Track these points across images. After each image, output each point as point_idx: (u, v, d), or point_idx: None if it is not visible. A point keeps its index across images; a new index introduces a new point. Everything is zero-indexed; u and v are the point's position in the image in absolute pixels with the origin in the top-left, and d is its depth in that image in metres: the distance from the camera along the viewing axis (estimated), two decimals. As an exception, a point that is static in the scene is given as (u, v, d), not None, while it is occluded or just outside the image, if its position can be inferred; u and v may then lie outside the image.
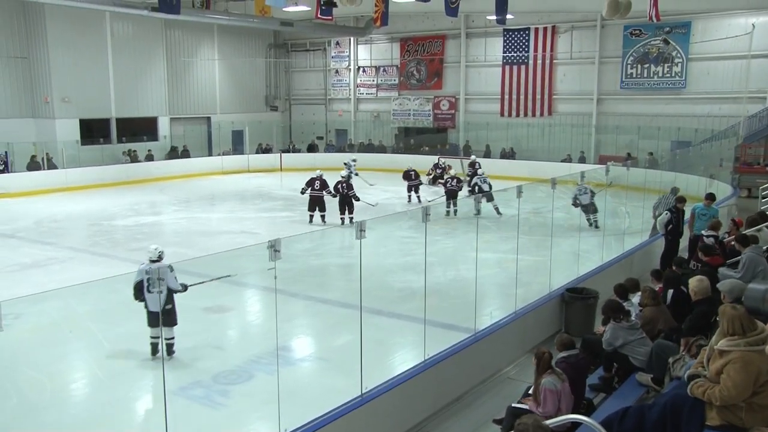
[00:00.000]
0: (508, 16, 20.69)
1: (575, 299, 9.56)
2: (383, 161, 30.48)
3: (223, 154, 31.55)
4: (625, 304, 7.65)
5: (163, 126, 31.28)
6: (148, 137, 30.47)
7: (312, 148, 33.43)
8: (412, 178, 22.11)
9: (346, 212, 17.85)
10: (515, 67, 29.79)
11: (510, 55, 29.84)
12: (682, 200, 12.61)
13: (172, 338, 8.54)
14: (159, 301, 8.18)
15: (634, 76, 27.03)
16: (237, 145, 33.05)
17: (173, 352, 8.58)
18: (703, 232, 10.85)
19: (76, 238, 16.65)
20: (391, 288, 11.50)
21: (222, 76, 34.11)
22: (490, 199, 17.21)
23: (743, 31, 24.15)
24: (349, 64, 35.36)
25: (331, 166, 30.23)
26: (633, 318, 7.27)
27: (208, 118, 33.62)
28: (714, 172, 20.82)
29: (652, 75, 26.65)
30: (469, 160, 23.60)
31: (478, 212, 12.08)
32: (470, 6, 24.94)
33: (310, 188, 18.23)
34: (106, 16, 27.85)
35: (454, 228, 16.16)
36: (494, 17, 20.34)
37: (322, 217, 17.94)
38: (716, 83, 25.21)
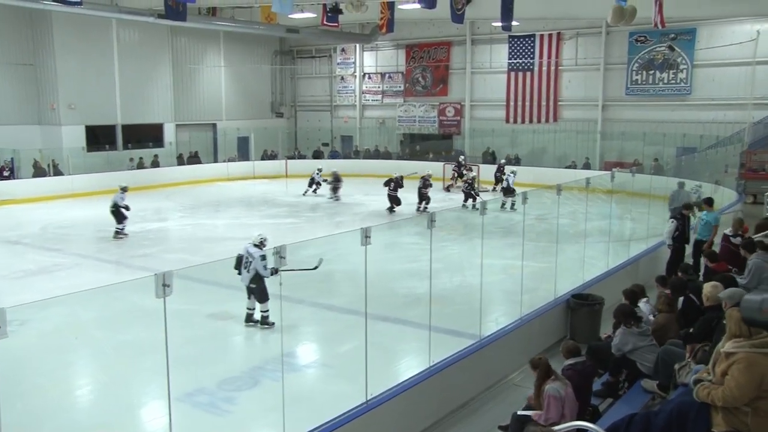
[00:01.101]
0: (514, 23, 20.68)
1: (581, 305, 9.54)
2: (389, 168, 30.39)
3: (229, 161, 31.63)
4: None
5: (169, 132, 31.43)
6: (154, 144, 30.59)
7: (317, 155, 33.50)
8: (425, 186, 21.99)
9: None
10: (520, 74, 29.82)
11: (515, 61, 29.87)
12: (688, 207, 12.60)
13: (266, 311, 9.93)
14: (248, 278, 9.79)
15: (639, 82, 27.03)
16: (242, 152, 33.12)
17: (267, 324, 9.89)
18: (727, 231, 10.75)
19: (81, 244, 16.71)
20: (396, 294, 11.48)
21: (228, 83, 34.24)
22: (509, 193, 18.31)
23: (748, 38, 24.17)
24: (355, 71, 35.43)
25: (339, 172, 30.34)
26: (644, 324, 7.24)
27: (214, 125, 33.73)
28: (719, 179, 20.78)
29: (657, 81, 26.66)
30: (498, 164, 24.99)
31: (506, 206, 13.60)
32: (476, 12, 24.96)
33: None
34: (113, 23, 28.02)
35: (460, 234, 16.15)
36: (500, 24, 20.35)
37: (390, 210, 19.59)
38: (721, 90, 25.20)
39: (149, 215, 20.76)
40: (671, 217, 12.45)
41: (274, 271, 9.13)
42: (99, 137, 28.65)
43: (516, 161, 29.06)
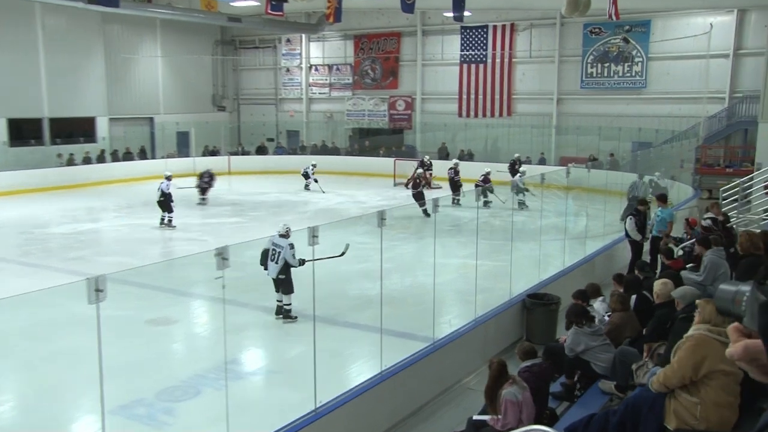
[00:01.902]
0: (466, 13, 20.87)
1: (537, 305, 9.68)
2: (337, 164, 30.44)
3: (168, 157, 31.05)
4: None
5: (102, 127, 30.66)
6: (86, 139, 29.82)
7: (261, 151, 33.19)
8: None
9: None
10: (473, 66, 30.12)
11: (468, 53, 30.16)
12: (643, 203, 12.91)
13: (289, 304, 10.26)
14: (276, 270, 10.12)
15: (595, 75, 27.61)
16: (182, 148, 32.56)
17: (290, 317, 10.23)
18: (704, 215, 11.07)
19: (3, 247, 16.15)
20: (346, 296, 11.48)
21: (165, 75, 33.62)
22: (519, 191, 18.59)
23: (702, 31, 24.90)
24: (301, 63, 35.23)
25: (283, 169, 30.14)
26: (596, 323, 7.39)
27: (151, 119, 33.07)
28: (675, 174, 21.36)
29: (612, 74, 27.27)
30: (512, 159, 24.97)
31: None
32: (426, 2, 25.13)
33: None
34: (36, 7, 27.14)
35: (411, 233, 16.23)
36: (451, 14, 20.52)
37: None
38: (676, 83, 25.92)
39: (81, 215, 20.24)
40: (629, 214, 12.74)
41: (302, 262, 10.00)
42: (23, 131, 27.78)
43: (469, 157, 29.33)
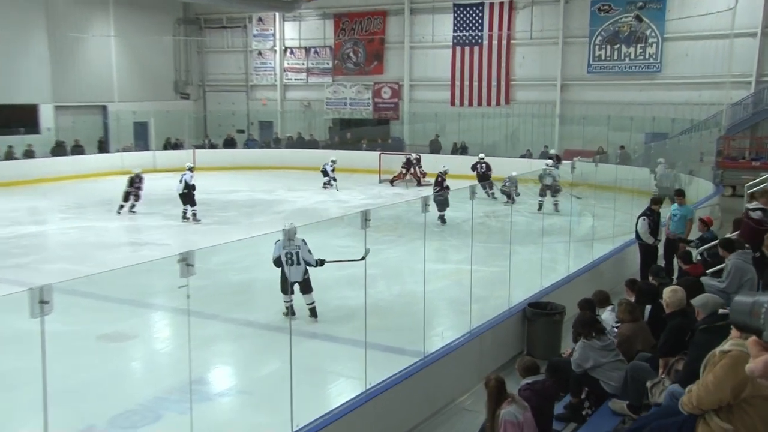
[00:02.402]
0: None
1: (539, 315, 9.71)
2: (315, 158, 30.39)
3: (124, 151, 30.87)
4: (594, 320, 7.79)
5: (47, 116, 30.44)
6: (27, 129, 29.51)
7: (230, 144, 33.11)
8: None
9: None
10: (467, 49, 30.20)
11: (461, 34, 30.24)
12: (657, 201, 12.94)
13: (313, 302, 10.72)
14: (303, 271, 10.47)
15: (603, 58, 27.72)
16: (140, 140, 32.39)
17: (316, 315, 10.66)
18: (748, 205, 11.06)
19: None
20: (326, 306, 11.45)
21: (120, 57, 33.43)
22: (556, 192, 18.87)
23: (725, 7, 24.80)
24: (275, 45, 35.19)
25: (255, 164, 30.07)
26: (608, 336, 7.38)
27: (104, 107, 32.91)
28: (694, 168, 21.40)
29: (623, 57, 27.36)
30: (550, 155, 25.08)
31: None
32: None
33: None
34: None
35: (398, 235, 16.24)
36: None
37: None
38: (695, 66, 25.96)
39: (22, 217, 20.05)
40: (641, 214, 12.74)
41: (321, 262, 10.57)
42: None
43: (462, 150, 29.42)
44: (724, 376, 4.31)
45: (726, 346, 4.50)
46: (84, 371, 8.93)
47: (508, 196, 19.95)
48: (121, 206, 20.45)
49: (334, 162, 25.64)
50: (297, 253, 10.49)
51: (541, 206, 18.20)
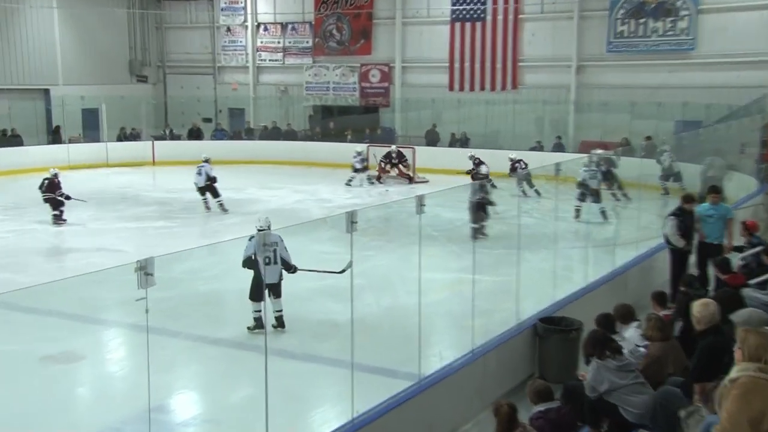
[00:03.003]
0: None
1: (551, 332, 9.71)
2: (294, 151, 30.42)
3: (70, 142, 30.79)
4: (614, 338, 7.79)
5: (-23, 101, 30.28)
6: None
7: (195, 134, 33.02)
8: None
9: None
10: (468, 25, 30.24)
11: (461, 8, 30.28)
12: (689, 198, 12.88)
13: (282, 309, 10.81)
14: (279, 271, 10.69)
15: (626, 34, 27.69)
16: (90, 130, 32.30)
17: (283, 325, 10.75)
18: None
19: None
20: (307, 321, 11.45)
21: (64, 32, 33.31)
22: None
23: (771, -28, 24.74)
24: (245, 20, 35.16)
25: (224, 158, 29.96)
26: (626, 355, 7.38)
27: (46, 91, 32.81)
28: (734, 162, 21.36)
29: (649, 33, 27.25)
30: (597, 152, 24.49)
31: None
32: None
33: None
34: None
35: (388, 240, 16.24)
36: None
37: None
38: (735, 42, 25.70)
39: (-49, 219, 20.03)
40: (670, 213, 12.71)
41: (294, 269, 10.79)
42: None
43: (463, 142, 29.44)
44: (737, 411, 4.29)
45: (734, 373, 4.48)
46: (24, 398, 8.89)
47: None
48: (57, 218, 19.72)
49: (359, 153, 25.69)
50: (275, 251, 10.62)
51: (578, 213, 17.59)
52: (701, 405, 6.29)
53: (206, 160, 21.73)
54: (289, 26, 34.32)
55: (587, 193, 17.83)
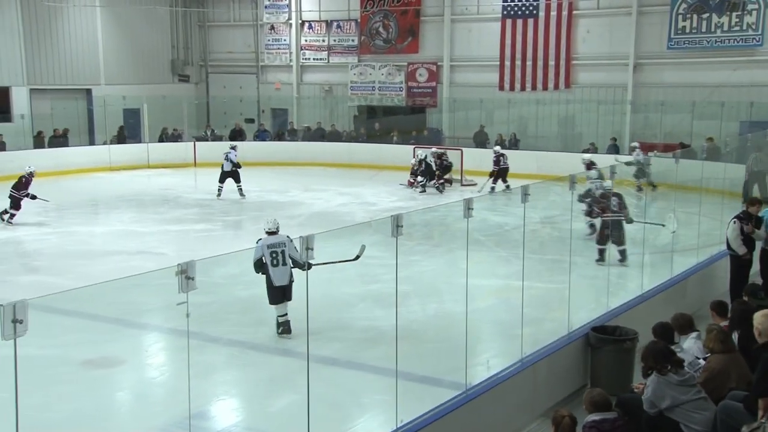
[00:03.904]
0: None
1: (605, 342, 9.64)
2: (337, 153, 30.51)
3: (111, 143, 31.21)
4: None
5: (20, 101, 30.82)
6: (-3, 117, 30.04)
7: (237, 135, 33.22)
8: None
9: None
10: (520, 22, 30.11)
11: (513, 4, 30.15)
12: (755, 202, 12.69)
13: (286, 314, 10.93)
14: (289, 272, 10.84)
15: (688, 30, 27.29)
16: (131, 130, 32.71)
17: (290, 329, 10.83)
18: None
19: None
20: (350, 328, 11.49)
21: (107, 31, 33.79)
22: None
23: None
24: (290, 18, 35.36)
25: (266, 159, 30.16)
26: (687, 369, 7.29)
27: (88, 91, 33.28)
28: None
29: (713, 29, 26.79)
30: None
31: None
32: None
33: None
34: None
35: (435, 244, 16.24)
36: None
37: None
38: (810, 36, 25.26)
39: (-9, 220, 20.41)
40: (734, 217, 12.51)
41: (309, 265, 10.16)
42: None
43: (513, 144, 29.30)
44: None
45: None
46: (63, 403, 9.04)
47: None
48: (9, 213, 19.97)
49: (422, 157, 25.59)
50: (282, 252, 10.86)
51: (602, 256, 14.60)
52: (765, 421, 6.22)
53: (233, 147, 24.37)
54: (334, 24, 34.46)
55: (593, 205, 15.68)
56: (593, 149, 27.31)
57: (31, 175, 20.23)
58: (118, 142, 31.63)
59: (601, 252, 14.48)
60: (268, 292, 10.94)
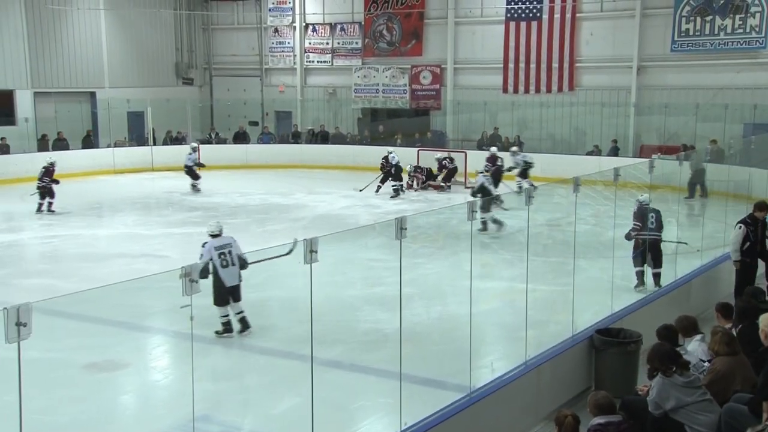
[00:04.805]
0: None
1: (609, 344, 9.62)
2: (341, 155, 30.52)
3: (116, 146, 31.22)
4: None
5: (24, 104, 30.83)
6: (1, 120, 30.03)
7: (241, 138, 33.29)
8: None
9: None
10: (523, 24, 30.11)
11: (516, 7, 30.17)
12: (762, 207, 12.65)
13: (243, 311, 11.13)
14: (238, 273, 11.01)
15: (691, 33, 27.29)
16: (135, 133, 32.73)
17: (249, 326, 11.12)
18: None
19: None
20: (353, 331, 11.49)
21: (111, 35, 33.81)
22: None
23: None
24: (293, 20, 35.40)
25: (270, 162, 30.19)
26: (692, 371, 7.28)
27: (92, 94, 33.31)
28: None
29: (717, 31, 26.79)
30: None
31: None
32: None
33: None
34: None
35: (439, 247, 16.23)
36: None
37: None
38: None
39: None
40: (739, 222, 12.49)
41: (245, 264, 11.02)
42: None
43: (517, 145, 29.27)
44: None
45: None
46: (67, 406, 9.05)
47: None
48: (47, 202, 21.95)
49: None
50: (230, 252, 11.12)
51: (641, 279, 13.07)
52: (768, 423, 6.22)
53: (193, 149, 26.55)
54: (338, 27, 34.48)
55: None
56: (597, 151, 27.38)
57: (52, 165, 22.12)
58: (138, 145, 32.18)
59: (640, 275, 12.99)
60: (215, 294, 10.92)
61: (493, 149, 24.93)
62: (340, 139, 32.60)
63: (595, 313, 10.42)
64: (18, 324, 4.56)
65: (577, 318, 9.99)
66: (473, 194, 19.11)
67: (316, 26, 35.06)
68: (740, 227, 12.09)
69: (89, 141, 31.36)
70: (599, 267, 12.47)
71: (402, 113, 33.54)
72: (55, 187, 22.04)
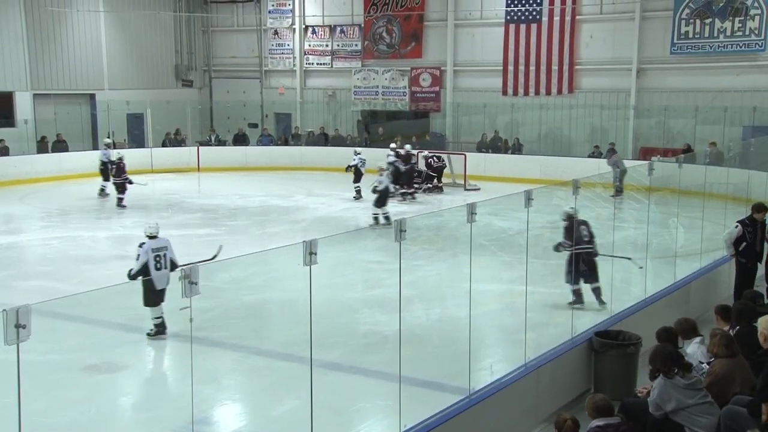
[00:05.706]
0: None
1: (608, 347, 9.63)
2: (341, 157, 30.40)
3: (116, 147, 31.19)
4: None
5: (24, 106, 30.79)
6: (1, 122, 30.04)
7: (241, 140, 33.29)
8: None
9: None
10: (523, 27, 30.12)
11: (516, 9, 30.17)
12: (761, 208, 12.65)
13: (162, 315, 10.97)
14: (168, 276, 10.81)
15: (691, 36, 27.28)
16: (135, 135, 32.72)
17: (164, 331, 11.00)
18: None
19: None
20: (353, 333, 11.49)
21: (111, 37, 33.81)
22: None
23: None
24: (293, 23, 35.41)
25: (270, 164, 30.21)
26: (694, 373, 7.28)
27: (92, 96, 33.31)
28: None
29: (716, 34, 26.77)
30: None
31: None
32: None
33: None
34: None
35: (438, 249, 16.23)
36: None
37: None
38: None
39: (-4, 225, 20.46)
40: (738, 222, 12.49)
41: (173, 267, 10.98)
42: None
43: (517, 147, 29.32)
44: None
45: None
46: (66, 408, 9.05)
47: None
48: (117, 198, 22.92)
49: (357, 153, 25.13)
50: (165, 255, 11.22)
51: (579, 298, 12.13)
52: (768, 424, 6.22)
53: (107, 145, 26.23)
54: (338, 29, 34.49)
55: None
56: (597, 153, 27.35)
57: (121, 159, 23.33)
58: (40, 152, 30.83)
59: (577, 293, 12.02)
60: (144, 295, 11.00)
61: (408, 147, 25.58)
62: (339, 142, 32.61)
63: (594, 316, 10.46)
64: (17, 326, 4.56)
65: (577, 320, 10.01)
66: (373, 191, 20.38)
67: (316, 28, 35.07)
68: (737, 226, 12.13)
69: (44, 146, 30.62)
70: (599, 269, 12.45)
71: (401, 115, 33.54)
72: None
